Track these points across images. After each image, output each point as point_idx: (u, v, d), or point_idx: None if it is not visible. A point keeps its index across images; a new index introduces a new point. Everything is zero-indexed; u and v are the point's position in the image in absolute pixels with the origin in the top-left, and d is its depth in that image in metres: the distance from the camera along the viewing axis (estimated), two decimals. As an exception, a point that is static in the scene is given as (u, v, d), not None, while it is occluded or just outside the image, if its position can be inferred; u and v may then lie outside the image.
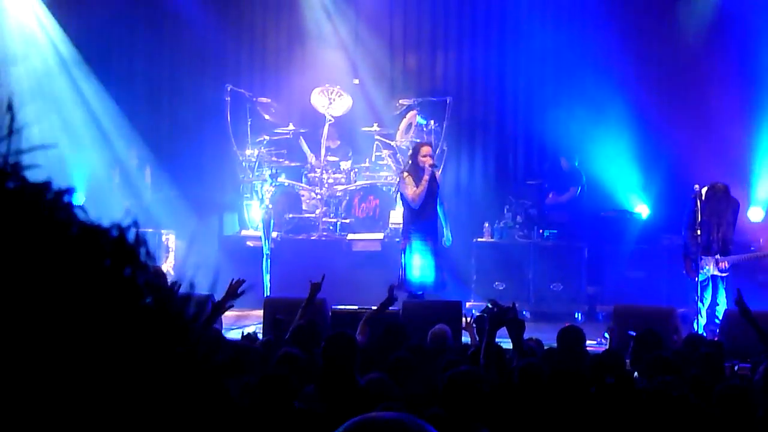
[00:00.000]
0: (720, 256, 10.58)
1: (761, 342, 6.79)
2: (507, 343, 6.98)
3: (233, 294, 6.93)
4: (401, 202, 11.31)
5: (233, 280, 6.97)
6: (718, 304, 10.52)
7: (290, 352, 5.89)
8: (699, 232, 10.56)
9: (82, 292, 0.93)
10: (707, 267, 10.59)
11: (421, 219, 10.93)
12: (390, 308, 9.61)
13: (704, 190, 10.62)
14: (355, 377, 5.48)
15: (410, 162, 11.13)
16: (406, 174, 11.04)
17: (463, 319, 8.44)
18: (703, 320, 10.46)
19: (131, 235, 1.02)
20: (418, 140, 13.24)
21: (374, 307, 7.99)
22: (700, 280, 10.57)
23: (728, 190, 10.78)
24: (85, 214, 0.98)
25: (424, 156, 10.90)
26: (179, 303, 1.00)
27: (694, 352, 6.75)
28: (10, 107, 0.97)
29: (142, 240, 1.02)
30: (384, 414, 1.34)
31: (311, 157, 13.63)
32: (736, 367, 7.30)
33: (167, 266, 13.22)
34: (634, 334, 6.85)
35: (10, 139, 0.96)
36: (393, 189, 12.67)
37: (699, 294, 10.53)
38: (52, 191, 0.96)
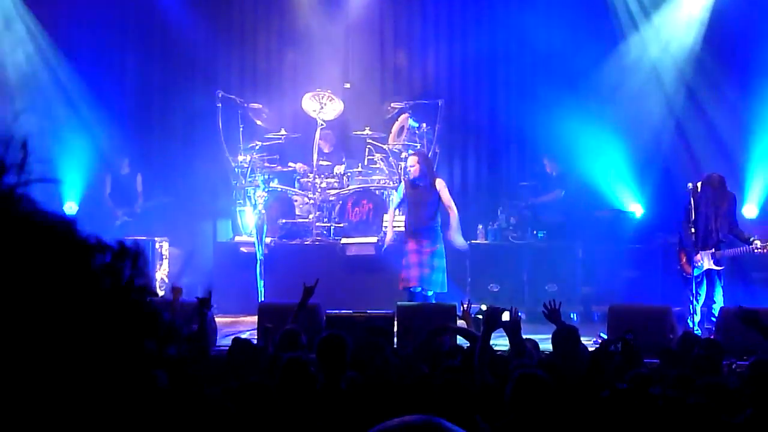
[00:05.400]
0: (715, 250, 10.56)
1: None
2: (502, 345, 6.98)
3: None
4: None
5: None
6: (714, 302, 10.49)
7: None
8: (693, 230, 10.57)
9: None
10: (702, 262, 10.57)
11: (411, 222, 11.17)
12: (384, 311, 9.64)
13: (699, 184, 10.63)
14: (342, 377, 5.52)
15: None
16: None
17: (462, 306, 8.35)
18: (697, 317, 10.44)
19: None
20: (410, 143, 13.28)
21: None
22: (694, 275, 10.55)
23: (724, 181, 10.78)
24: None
25: (409, 166, 11.37)
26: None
27: (689, 351, 6.74)
28: (24, 146, 1.05)
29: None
30: (414, 417, 1.36)
31: (299, 166, 13.63)
32: (734, 365, 7.28)
33: (161, 274, 13.20)
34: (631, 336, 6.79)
35: (22, 171, 1.04)
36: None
37: (693, 291, 10.51)
38: (57, 217, 1.06)
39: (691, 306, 10.49)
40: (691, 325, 10.27)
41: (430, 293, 10.91)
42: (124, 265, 1.07)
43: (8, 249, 0.99)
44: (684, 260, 10.73)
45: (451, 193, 14.17)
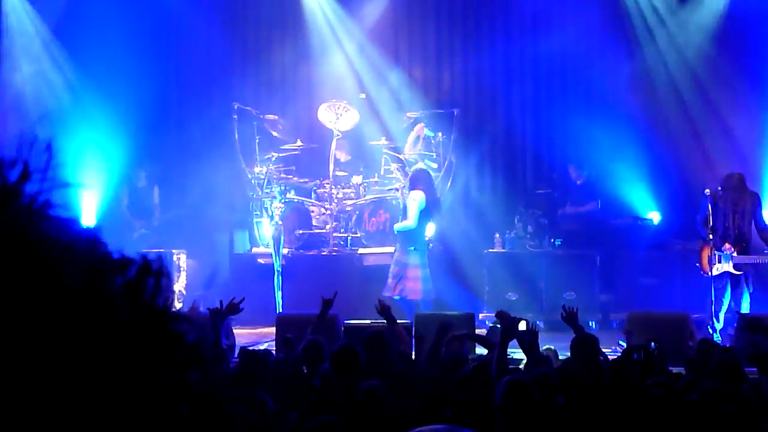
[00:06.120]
0: (737, 253, 10.47)
1: None
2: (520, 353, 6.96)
3: (232, 310, 7.22)
4: None
5: (234, 298, 7.28)
6: (739, 309, 10.37)
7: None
8: (711, 235, 10.50)
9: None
10: (722, 262, 10.45)
11: None
12: (402, 321, 9.63)
13: (719, 188, 10.58)
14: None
15: None
16: None
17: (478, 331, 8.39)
18: (719, 325, 10.36)
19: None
20: (426, 153, 13.30)
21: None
22: (713, 275, 10.46)
23: (744, 179, 10.73)
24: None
25: None
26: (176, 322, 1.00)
27: (707, 358, 6.69)
28: (48, 147, 0.98)
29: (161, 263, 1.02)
30: (438, 427, 1.35)
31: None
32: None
33: (179, 286, 13.22)
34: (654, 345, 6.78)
35: (45, 175, 0.96)
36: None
37: (714, 297, 10.43)
38: (76, 225, 0.98)
39: (710, 313, 10.41)
40: (711, 332, 10.20)
41: (396, 298, 11.08)
42: (146, 284, 0.96)
43: (26, 273, 0.90)
44: (704, 256, 10.60)
45: (467, 202, 14.25)
